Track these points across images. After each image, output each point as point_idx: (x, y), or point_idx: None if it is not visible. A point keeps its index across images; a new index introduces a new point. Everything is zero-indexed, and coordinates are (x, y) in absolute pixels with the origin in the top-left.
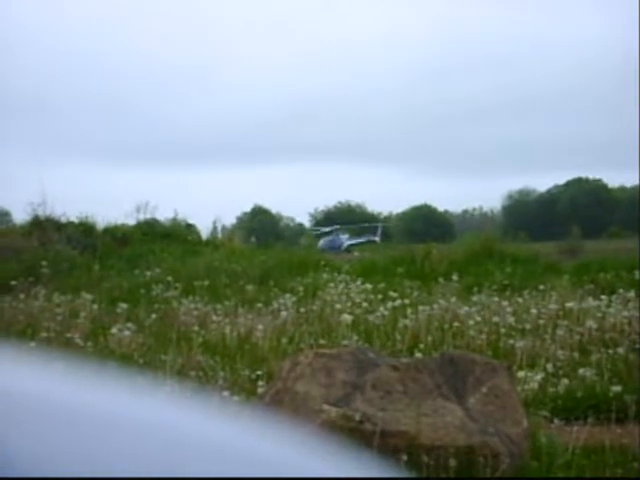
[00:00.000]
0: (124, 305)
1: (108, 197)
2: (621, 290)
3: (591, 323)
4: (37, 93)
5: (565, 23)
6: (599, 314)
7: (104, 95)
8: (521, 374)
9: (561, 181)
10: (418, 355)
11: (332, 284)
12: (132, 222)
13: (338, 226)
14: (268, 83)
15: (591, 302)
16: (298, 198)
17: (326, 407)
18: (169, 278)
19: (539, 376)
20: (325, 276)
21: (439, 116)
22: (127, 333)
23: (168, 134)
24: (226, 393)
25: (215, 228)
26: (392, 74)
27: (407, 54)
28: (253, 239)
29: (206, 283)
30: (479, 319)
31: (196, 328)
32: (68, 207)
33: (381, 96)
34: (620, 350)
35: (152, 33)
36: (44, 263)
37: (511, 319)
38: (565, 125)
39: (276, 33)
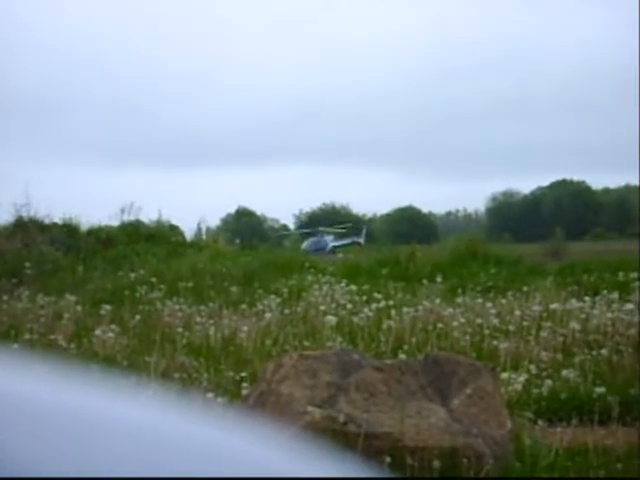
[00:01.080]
0: (108, 306)
1: (92, 198)
2: (605, 292)
3: (575, 325)
4: (22, 94)
5: (555, 27)
6: (583, 316)
7: (91, 96)
8: (505, 375)
9: (545, 183)
10: (402, 356)
11: (316, 285)
12: (116, 223)
13: (322, 227)
14: (255, 87)
15: (575, 304)
16: (283, 200)
17: (310, 409)
18: (153, 279)
19: (523, 377)
20: (309, 278)
21: (423, 119)
22: (111, 335)
23: (153, 136)
24: (210, 395)
25: (199, 229)
26: (379, 78)
27: (396, 58)
28: (237, 240)
29: (190, 284)
30: (463, 320)
31: (180, 329)
32: (52, 208)
33: (366, 100)
34: (604, 351)
35: (148, 34)
36: (27, 264)
37: (495, 320)
38: (549, 127)
39: (270, 36)
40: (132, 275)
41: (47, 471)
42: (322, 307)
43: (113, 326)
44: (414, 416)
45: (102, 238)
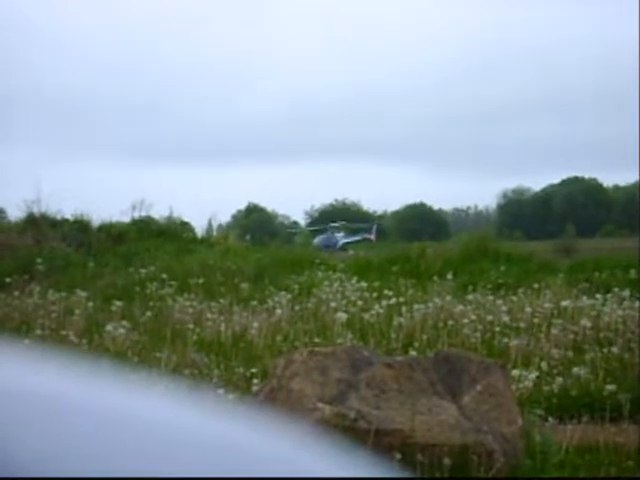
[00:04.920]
0: (119, 303)
1: (103, 195)
2: (616, 289)
3: (586, 322)
4: (36, 90)
5: (558, 23)
6: (594, 313)
7: (103, 94)
8: (515, 373)
9: (556, 180)
10: (413, 353)
11: (327, 282)
12: (127, 220)
13: (335, 224)
14: (267, 85)
15: (586, 301)
16: (293, 196)
17: (320, 405)
18: (164, 276)
19: (533, 375)
20: (320, 274)
21: (435, 117)
22: (122, 331)
23: (165, 133)
24: (221, 391)
25: (210, 226)
26: (390, 77)
27: (408, 58)
28: (248, 237)
29: (201, 281)
30: (474, 318)
31: (191, 326)
32: (63, 205)
33: (378, 98)
34: (614, 349)
35: (164, 35)
36: (39, 260)
37: (506, 318)
38: (561, 125)
39: (284, 35)
40: (143, 271)
41: (59, 469)
42: (333, 304)
43: (124, 322)
44: (424, 413)
45: (113, 234)
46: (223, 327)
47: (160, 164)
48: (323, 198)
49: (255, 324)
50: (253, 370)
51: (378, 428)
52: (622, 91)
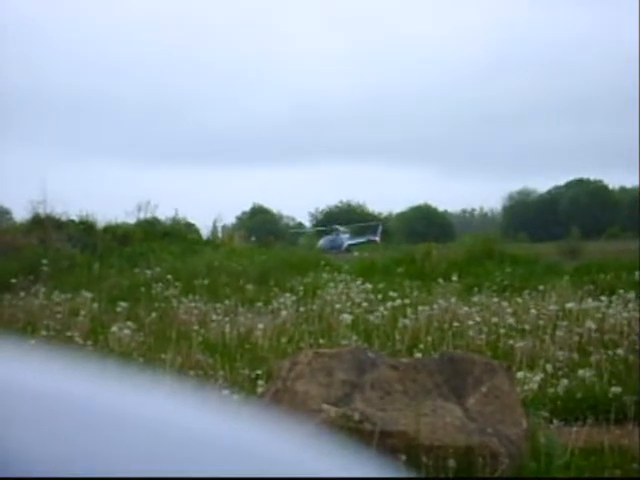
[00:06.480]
0: (124, 304)
1: (109, 196)
2: (621, 291)
3: (591, 324)
4: (41, 91)
5: (564, 25)
6: (599, 315)
7: (109, 95)
8: (520, 375)
9: (561, 182)
10: (417, 355)
11: (332, 284)
12: (133, 221)
13: (338, 226)
14: (273, 86)
15: (591, 303)
16: (299, 198)
17: (325, 407)
18: (169, 277)
19: (538, 377)
20: (325, 276)
21: (439, 119)
22: (127, 332)
23: (170, 134)
24: (226, 392)
25: (215, 227)
26: (398, 78)
27: (418, 57)
28: (253, 238)
29: (206, 282)
30: (479, 319)
31: (196, 327)
32: (69, 205)
33: (383, 100)
34: (620, 351)
35: (170, 36)
36: (44, 261)
37: (511, 320)
38: (566, 127)
39: (289, 37)
40: (148, 272)
41: (62, 469)
42: (337, 305)
43: (129, 323)
44: (429, 415)
45: (118, 235)
46: (228, 328)
47: (165, 165)
48: (328, 199)
49: (260, 325)
50: (258, 371)
51: (383, 430)
52: (628, 93)
